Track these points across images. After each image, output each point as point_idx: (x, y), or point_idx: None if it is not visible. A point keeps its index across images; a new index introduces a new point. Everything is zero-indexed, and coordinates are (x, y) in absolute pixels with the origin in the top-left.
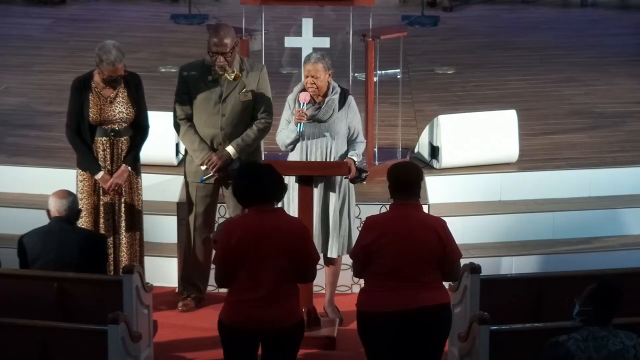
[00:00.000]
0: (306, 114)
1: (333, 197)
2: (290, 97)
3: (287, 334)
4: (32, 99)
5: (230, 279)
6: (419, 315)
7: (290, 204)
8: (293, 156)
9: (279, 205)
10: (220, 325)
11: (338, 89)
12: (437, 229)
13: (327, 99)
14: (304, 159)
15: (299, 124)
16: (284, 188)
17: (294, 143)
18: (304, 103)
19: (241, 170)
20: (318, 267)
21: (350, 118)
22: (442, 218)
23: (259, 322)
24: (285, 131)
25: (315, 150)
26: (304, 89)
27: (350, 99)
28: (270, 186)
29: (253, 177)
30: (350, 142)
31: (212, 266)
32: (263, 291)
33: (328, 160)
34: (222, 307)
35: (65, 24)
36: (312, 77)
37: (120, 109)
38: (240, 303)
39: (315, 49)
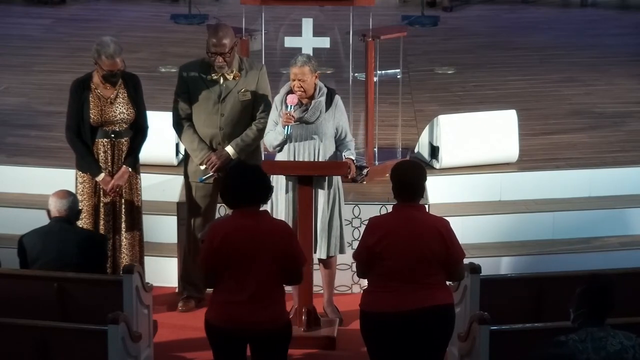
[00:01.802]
0: (294, 116)
1: (322, 198)
2: (277, 99)
3: (274, 336)
4: (32, 99)
5: (214, 279)
6: (422, 316)
7: (279, 205)
8: (281, 157)
9: (265, 207)
10: (207, 326)
11: (325, 90)
12: (440, 230)
13: (314, 101)
14: (292, 160)
15: (286, 127)
16: (270, 190)
17: (281, 145)
18: (291, 105)
19: (228, 172)
20: (318, 267)
21: (337, 118)
22: (445, 218)
23: (244, 323)
24: (272, 133)
25: (303, 152)
26: (290, 91)
27: (337, 98)
28: (257, 188)
29: (240, 179)
30: (340, 141)
31: None
32: (247, 293)
33: (316, 161)
34: (207, 308)
35: (65, 24)
36: (299, 80)
37: (121, 110)
38: (225, 304)
39: (315, 50)
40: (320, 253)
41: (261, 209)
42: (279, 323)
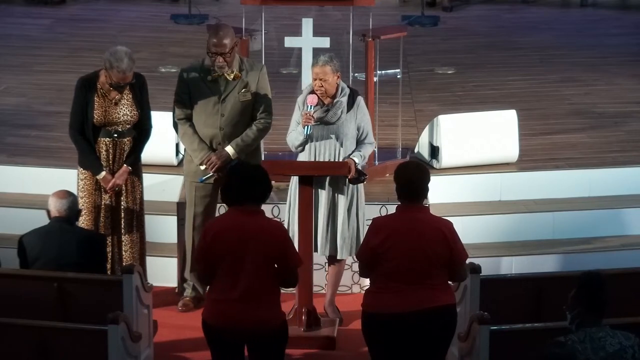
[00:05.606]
0: (313, 117)
1: (342, 199)
2: (300, 99)
3: (269, 335)
4: (32, 99)
5: (209, 276)
6: (424, 317)
7: (297, 206)
8: (302, 157)
9: (283, 207)
10: (203, 324)
11: (347, 90)
12: (443, 231)
13: (335, 101)
14: (313, 160)
15: (306, 127)
16: (269, 189)
17: (303, 145)
18: (311, 106)
19: (229, 170)
20: (318, 267)
21: (359, 119)
22: (449, 219)
23: (237, 322)
24: (294, 133)
25: (323, 152)
26: (312, 91)
27: (359, 99)
28: (255, 186)
29: (239, 177)
30: (359, 142)
31: None
32: (238, 292)
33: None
34: (204, 306)
35: (65, 24)
36: (320, 79)
37: (125, 112)
38: (218, 302)
39: (315, 49)
40: (340, 254)
41: (276, 209)
42: (272, 323)
